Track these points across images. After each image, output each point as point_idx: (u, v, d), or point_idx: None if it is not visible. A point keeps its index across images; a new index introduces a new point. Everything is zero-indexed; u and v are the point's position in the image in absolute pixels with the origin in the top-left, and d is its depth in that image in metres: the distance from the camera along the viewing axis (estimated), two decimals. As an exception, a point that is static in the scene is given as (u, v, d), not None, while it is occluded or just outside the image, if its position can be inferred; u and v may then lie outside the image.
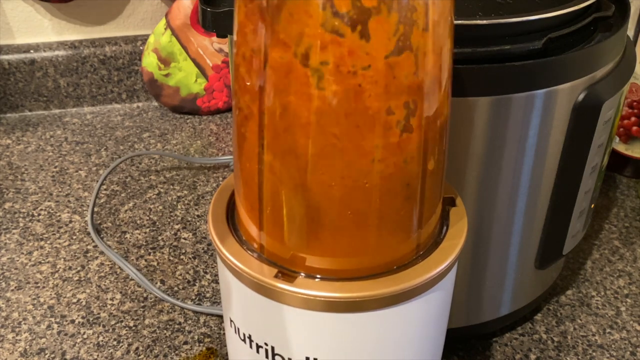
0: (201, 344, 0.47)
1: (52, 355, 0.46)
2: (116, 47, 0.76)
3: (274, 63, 0.24)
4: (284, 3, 0.23)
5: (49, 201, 0.62)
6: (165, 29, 0.73)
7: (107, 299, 0.51)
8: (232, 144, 0.70)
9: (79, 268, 0.54)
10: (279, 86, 0.25)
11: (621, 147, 0.64)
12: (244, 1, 0.25)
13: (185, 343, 0.47)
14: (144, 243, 0.57)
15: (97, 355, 0.46)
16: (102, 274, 0.53)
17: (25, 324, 0.49)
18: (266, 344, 0.30)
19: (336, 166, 0.26)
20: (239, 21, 0.26)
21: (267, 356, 0.30)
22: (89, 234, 0.58)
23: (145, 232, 0.58)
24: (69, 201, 0.62)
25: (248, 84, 0.26)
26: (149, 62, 0.74)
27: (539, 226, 0.42)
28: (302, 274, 0.28)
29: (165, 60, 0.74)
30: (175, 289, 0.52)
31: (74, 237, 0.57)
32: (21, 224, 0.59)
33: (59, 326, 0.48)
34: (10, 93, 0.75)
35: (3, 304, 0.50)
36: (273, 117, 0.25)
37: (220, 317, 0.49)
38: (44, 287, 0.52)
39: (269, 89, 0.25)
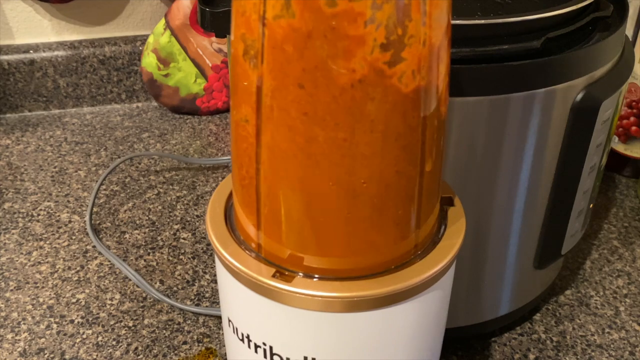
0: (200, 344, 0.47)
1: (52, 355, 0.46)
2: (115, 48, 0.76)
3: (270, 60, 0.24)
4: None
5: (48, 201, 0.62)
6: (165, 29, 0.73)
7: (106, 299, 0.51)
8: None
9: (78, 268, 0.54)
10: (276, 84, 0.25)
11: (620, 147, 0.64)
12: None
13: (185, 343, 0.47)
14: (143, 243, 0.57)
15: (97, 355, 0.46)
16: (102, 274, 0.53)
17: (24, 324, 0.49)
18: (264, 344, 0.30)
19: (335, 165, 0.26)
20: (235, 19, 0.26)
21: (265, 356, 0.30)
22: (88, 234, 0.58)
23: (144, 232, 0.58)
24: (68, 201, 0.62)
25: (245, 83, 0.26)
26: (149, 62, 0.74)
27: (538, 226, 0.42)
28: (300, 273, 0.28)
29: (164, 61, 0.74)
30: (175, 289, 0.52)
31: (73, 237, 0.57)
32: (20, 224, 0.59)
33: (58, 326, 0.48)
34: (9, 93, 0.75)
35: (2, 304, 0.50)
36: (270, 116, 0.25)
37: (220, 317, 0.49)
38: (43, 287, 0.52)
39: (266, 88, 0.25)
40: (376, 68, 0.24)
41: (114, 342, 0.47)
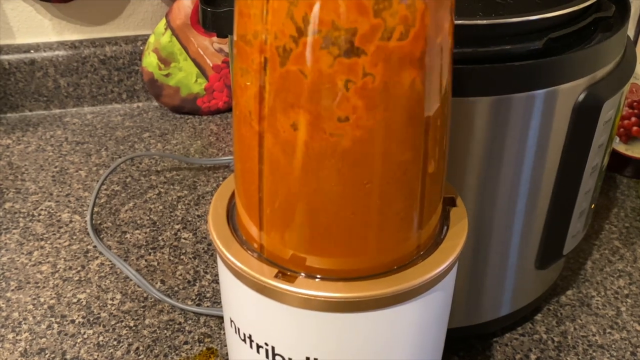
0: (201, 344, 0.47)
1: (53, 355, 0.46)
2: (116, 47, 0.76)
3: (273, 62, 0.24)
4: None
5: (49, 201, 0.62)
6: (166, 29, 0.73)
7: (107, 298, 0.51)
8: (232, 144, 0.70)
9: (79, 268, 0.54)
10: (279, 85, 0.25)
11: (621, 147, 0.64)
12: None
13: (186, 343, 0.47)
14: (144, 243, 0.57)
15: (98, 355, 0.46)
16: (103, 274, 0.53)
17: (25, 324, 0.49)
18: (266, 344, 0.30)
19: (337, 166, 0.26)
20: (238, 21, 0.26)
21: (267, 356, 0.30)
22: (89, 234, 0.58)
23: (145, 232, 0.58)
24: (69, 201, 0.62)
25: (248, 83, 0.26)
26: (149, 62, 0.74)
27: (539, 226, 0.42)
28: (303, 274, 0.28)
29: (165, 60, 0.74)
30: (176, 289, 0.52)
31: (74, 237, 0.57)
32: (21, 224, 0.59)
33: (59, 326, 0.48)
34: (10, 93, 0.75)
35: (3, 304, 0.50)
36: (273, 117, 0.25)
37: (221, 317, 0.49)
38: (44, 287, 0.52)
39: (269, 89, 0.25)
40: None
41: (115, 342, 0.47)
